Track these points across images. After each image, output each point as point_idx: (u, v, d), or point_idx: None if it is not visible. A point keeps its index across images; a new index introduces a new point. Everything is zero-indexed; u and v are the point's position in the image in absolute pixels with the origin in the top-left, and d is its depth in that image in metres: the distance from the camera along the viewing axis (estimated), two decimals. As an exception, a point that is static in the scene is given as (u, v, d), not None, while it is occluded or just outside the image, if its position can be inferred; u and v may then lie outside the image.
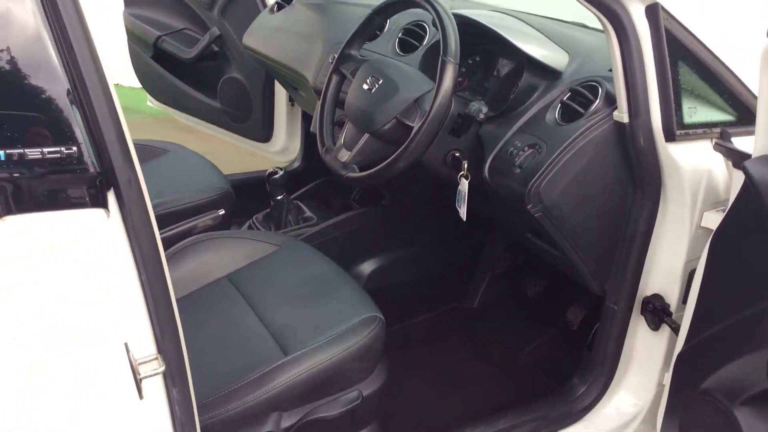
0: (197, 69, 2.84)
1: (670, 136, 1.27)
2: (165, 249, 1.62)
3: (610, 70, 1.40)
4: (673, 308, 1.44)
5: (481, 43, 1.60)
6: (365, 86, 1.44)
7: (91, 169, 0.77)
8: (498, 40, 1.51)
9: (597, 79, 1.36)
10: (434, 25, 1.59)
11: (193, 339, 1.38)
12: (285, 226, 1.91)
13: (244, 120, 2.84)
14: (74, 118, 0.76)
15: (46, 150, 0.73)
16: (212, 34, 2.69)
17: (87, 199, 0.78)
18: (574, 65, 1.45)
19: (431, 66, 1.65)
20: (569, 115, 1.36)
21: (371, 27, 1.55)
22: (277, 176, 1.82)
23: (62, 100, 0.75)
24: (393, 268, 1.99)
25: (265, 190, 2.60)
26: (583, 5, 1.24)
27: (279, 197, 1.86)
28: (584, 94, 1.34)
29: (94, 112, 0.76)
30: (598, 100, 1.31)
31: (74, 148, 0.75)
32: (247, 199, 2.46)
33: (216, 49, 2.75)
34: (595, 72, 1.41)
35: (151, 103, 3.21)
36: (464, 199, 1.44)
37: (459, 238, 2.04)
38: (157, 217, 1.77)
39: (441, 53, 1.31)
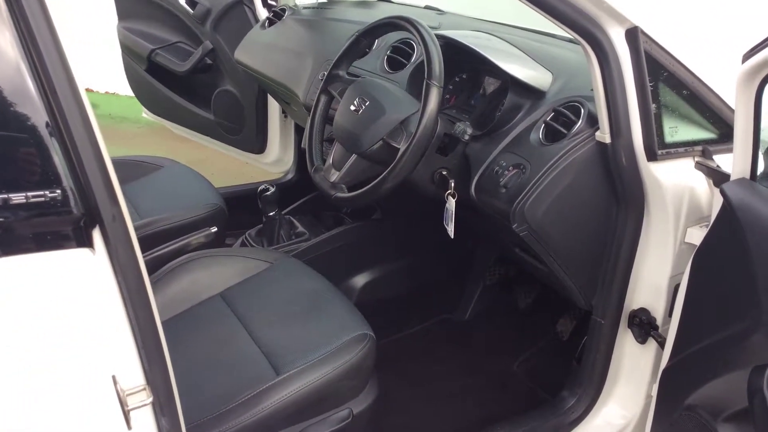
0: (191, 81, 2.87)
1: (651, 156, 1.29)
2: (158, 267, 1.68)
3: (593, 90, 1.43)
4: (659, 322, 1.46)
5: (468, 61, 1.62)
6: (352, 107, 1.46)
7: (75, 211, 0.79)
8: (482, 60, 1.53)
9: (579, 100, 1.38)
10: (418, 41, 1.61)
11: (186, 359, 1.41)
12: (278, 242, 1.93)
13: (237, 132, 2.86)
14: (57, 160, 0.77)
15: (30, 194, 0.75)
16: (205, 48, 2.72)
17: (72, 239, 0.79)
18: (557, 85, 1.47)
19: (418, 85, 1.67)
20: (553, 135, 1.38)
21: (358, 48, 1.57)
22: (268, 193, 1.84)
23: (44, 140, 0.76)
24: (385, 281, 2.01)
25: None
26: (563, 30, 1.25)
27: (271, 213, 1.88)
28: (567, 115, 1.36)
29: (78, 153, 0.78)
30: (580, 121, 1.33)
31: (58, 191, 0.77)
32: (241, 212, 2.48)
33: (209, 62, 2.78)
34: (578, 91, 1.43)
35: (146, 114, 3.23)
36: (452, 218, 1.46)
37: (450, 249, 2.06)
38: (151, 235, 1.84)
39: (425, 76, 1.33)
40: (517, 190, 1.32)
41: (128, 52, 3.01)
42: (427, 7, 2.39)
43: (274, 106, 2.74)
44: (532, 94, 1.47)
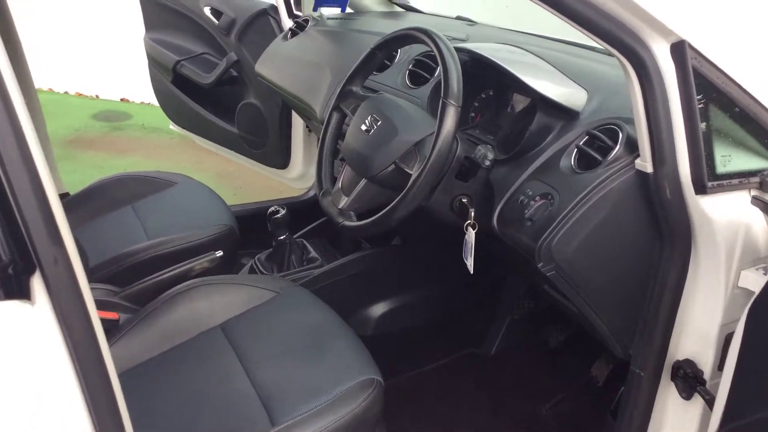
0: (216, 94, 2.82)
1: (700, 189, 1.12)
2: (159, 293, 1.57)
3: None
4: (707, 375, 1.28)
5: (494, 76, 1.47)
6: (363, 127, 1.33)
7: (2, 257, 0.67)
8: (506, 74, 1.38)
9: (616, 122, 1.22)
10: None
11: (175, 398, 1.30)
12: (288, 268, 1.80)
13: (261, 146, 2.78)
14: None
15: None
16: (230, 59, 2.65)
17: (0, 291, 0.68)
18: (593, 104, 1.31)
19: (438, 102, 1.53)
20: (586, 161, 1.22)
21: (373, 63, 1.44)
22: (278, 215, 1.72)
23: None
24: (404, 311, 1.87)
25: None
26: (600, 45, 1.10)
27: (281, 237, 1.76)
28: (602, 139, 1.20)
29: (7, 180, 0.66)
30: (617, 147, 1.17)
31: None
32: (257, 231, 2.38)
33: (234, 74, 2.71)
34: (616, 112, 1.27)
35: (173, 126, 3.18)
36: (471, 251, 1.31)
37: (475, 279, 1.90)
38: (155, 258, 1.74)
39: (442, 94, 1.19)
40: (544, 224, 1.16)
41: (154, 64, 2.96)
42: (458, 18, 2.25)
43: (298, 121, 2.64)
44: (564, 114, 1.31)
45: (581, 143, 1.24)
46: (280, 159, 2.77)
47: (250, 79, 2.62)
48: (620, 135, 1.18)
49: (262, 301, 1.54)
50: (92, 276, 1.62)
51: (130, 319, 1.49)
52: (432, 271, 1.91)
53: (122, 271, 1.66)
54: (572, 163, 1.23)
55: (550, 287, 1.41)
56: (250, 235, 2.34)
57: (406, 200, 1.20)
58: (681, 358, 1.30)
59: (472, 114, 1.58)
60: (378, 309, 1.83)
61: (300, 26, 2.23)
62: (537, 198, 1.22)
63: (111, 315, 1.50)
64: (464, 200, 1.33)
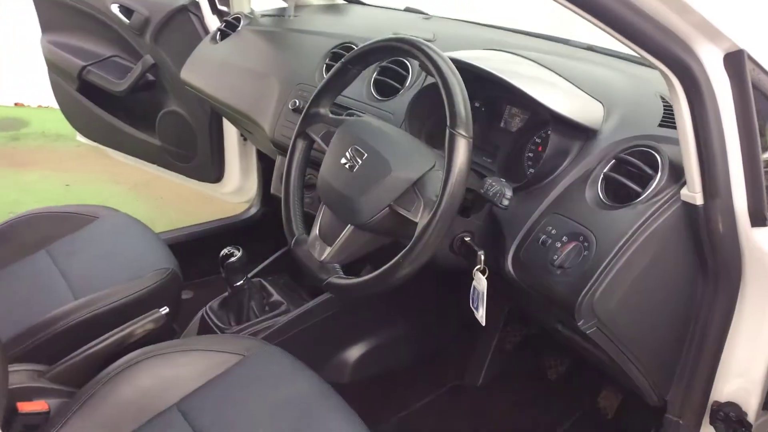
0: (131, 101, 2.49)
1: (759, 221, 0.96)
2: (96, 368, 1.28)
3: (662, 125, 1.09)
4: (751, 417, 1.14)
5: (482, 86, 1.26)
6: (344, 161, 1.09)
7: None
8: (500, 85, 1.17)
9: (650, 144, 1.03)
10: (424, 69, 1.25)
11: None
12: (248, 318, 1.54)
13: (189, 159, 2.47)
14: None
15: None
16: (145, 63, 2.32)
17: None
18: (613, 120, 1.12)
19: (418, 120, 1.31)
20: (614, 190, 1.04)
21: (344, 79, 1.20)
22: (234, 259, 1.45)
23: None
24: (383, 351, 1.65)
25: (223, 242, 2.24)
26: (640, 55, 0.91)
27: (238, 284, 1.49)
28: (636, 165, 1.02)
29: None
30: (659, 175, 0.99)
31: None
32: (199, 259, 2.10)
33: (151, 78, 2.38)
34: (642, 128, 1.09)
35: (81, 138, 2.81)
36: (483, 300, 1.10)
37: (455, 307, 1.71)
38: (85, 323, 1.44)
39: (448, 124, 0.97)
40: (582, 276, 0.97)
41: (55, 70, 2.58)
42: (407, 9, 2.02)
43: (230, 129, 2.35)
44: (581, 133, 1.12)
45: (609, 170, 1.05)
46: (213, 172, 2.47)
47: (171, 84, 2.31)
48: (659, 160, 1.00)
49: (225, 367, 1.28)
50: (8, 354, 1.31)
51: (63, 408, 1.20)
52: (409, 305, 1.70)
53: (45, 344, 1.35)
54: (600, 194, 1.04)
55: (567, 327, 1.23)
56: (192, 265, 2.06)
57: (413, 254, 0.98)
58: (722, 399, 1.15)
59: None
60: (354, 353, 1.61)
61: (230, 26, 1.94)
62: (564, 239, 1.02)
63: (39, 406, 1.21)
64: (467, 239, 1.12)
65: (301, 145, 1.24)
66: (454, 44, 1.46)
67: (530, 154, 1.25)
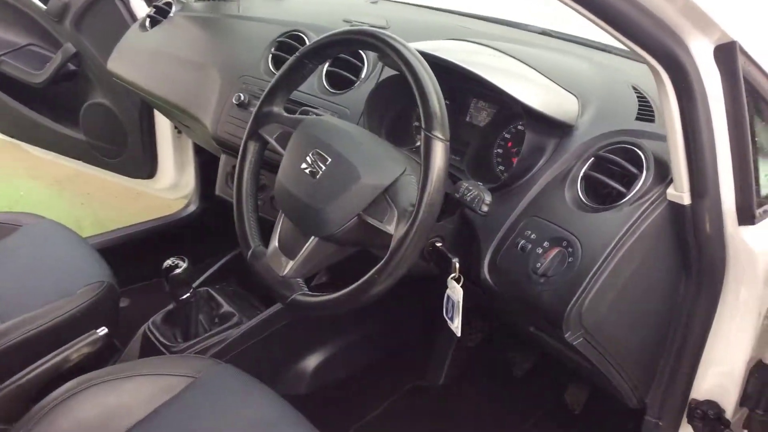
0: (51, 93, 2.30)
1: (747, 218, 0.92)
2: (28, 402, 1.15)
3: (639, 118, 1.04)
4: (729, 414, 1.11)
5: (446, 78, 1.17)
6: (305, 167, 0.99)
7: None
8: (466, 77, 1.09)
9: (632, 141, 0.98)
10: (389, 64, 1.16)
11: None
12: (197, 333, 1.41)
13: (117, 154, 2.30)
14: None
15: None
16: (66, 52, 2.14)
17: None
18: (588, 115, 1.06)
19: (377, 116, 1.22)
20: (594, 190, 0.98)
21: (299, 75, 1.09)
22: (179, 271, 1.32)
23: None
24: (340, 357, 1.56)
25: (160, 244, 2.09)
26: (626, 45, 0.84)
27: (184, 297, 1.36)
28: (618, 163, 0.96)
29: None
30: (644, 174, 0.93)
31: None
32: (138, 261, 1.95)
33: (73, 68, 2.19)
34: (618, 122, 1.03)
35: (-4, 135, 2.58)
36: (458, 310, 1.03)
37: (413, 305, 1.63)
38: (12, 350, 1.29)
39: (423, 126, 0.89)
40: (569, 285, 0.91)
41: (-39, 61, 2.34)
42: (349, -10, 1.91)
43: (163, 121, 2.20)
44: (556, 129, 1.05)
45: (588, 169, 0.99)
46: (145, 167, 2.31)
47: (96, 75, 2.13)
48: (643, 158, 0.95)
49: (175, 392, 1.16)
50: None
51: (-7, 451, 1.07)
52: (367, 308, 1.61)
53: (-33, 376, 1.20)
54: (580, 194, 0.98)
55: (539, 330, 1.18)
56: (126, 273, 1.91)
57: (388, 269, 0.89)
58: (700, 398, 1.13)
59: (416, 124, 1.28)
60: (311, 361, 1.52)
61: (161, 12, 1.78)
62: (546, 244, 0.95)
63: (-37, 451, 1.07)
64: (438, 244, 1.05)
65: (253, 147, 1.13)
66: (408, 32, 1.37)
67: (499, 150, 1.18)
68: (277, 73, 1.10)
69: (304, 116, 1.10)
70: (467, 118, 1.23)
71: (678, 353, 1.07)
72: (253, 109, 1.37)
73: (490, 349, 1.66)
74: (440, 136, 0.87)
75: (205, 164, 2.16)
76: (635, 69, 1.25)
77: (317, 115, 1.15)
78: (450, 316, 1.05)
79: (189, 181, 2.33)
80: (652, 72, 0.86)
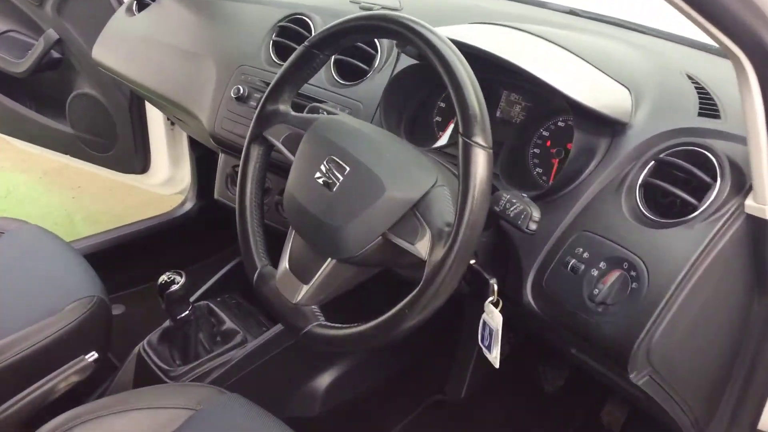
0: (34, 83, 2.16)
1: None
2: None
3: (702, 114, 0.90)
4: (797, 445, 0.99)
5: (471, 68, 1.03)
6: (319, 177, 0.85)
7: None
8: (498, 66, 0.94)
9: (700, 142, 0.84)
10: (416, 55, 1.02)
11: None
12: (196, 354, 1.27)
13: (107, 148, 2.16)
14: None
15: None
16: (49, 38, 1.99)
17: None
18: (644, 110, 0.92)
19: (397, 109, 1.08)
20: (654, 200, 0.84)
21: (310, 68, 0.94)
22: (177, 287, 1.17)
23: None
24: (353, 374, 1.43)
25: (155, 244, 1.95)
26: (703, 28, 0.70)
27: (182, 315, 1.22)
28: (686, 169, 0.82)
29: None
30: (720, 183, 0.80)
31: None
32: (134, 262, 1.82)
33: (57, 56, 2.04)
34: (678, 119, 0.89)
35: (-25, 128, 2.43)
36: (497, 339, 0.90)
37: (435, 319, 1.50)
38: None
39: (461, 131, 0.74)
40: (634, 316, 0.77)
41: (-65, 50, 2.18)
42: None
43: (155, 113, 2.05)
44: (607, 128, 0.91)
45: (648, 175, 0.85)
46: (137, 162, 2.17)
47: (82, 63, 1.98)
48: (716, 163, 0.81)
49: (174, 426, 1.04)
50: None
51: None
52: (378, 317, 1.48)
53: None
54: (640, 206, 0.84)
55: (582, 352, 1.04)
56: (119, 278, 1.78)
57: (422, 301, 0.76)
58: (765, 429, 1.00)
59: (438, 119, 1.14)
60: (322, 380, 1.39)
61: (149, -5, 1.63)
62: (602, 265, 0.82)
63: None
64: (471, 262, 0.91)
65: (257, 152, 0.98)
66: (422, 13, 1.22)
67: (536, 151, 1.04)
68: (283, 66, 0.95)
69: (315, 115, 0.95)
70: (498, 113, 1.08)
71: (746, 381, 0.94)
72: (255, 104, 1.25)
73: (517, 361, 1.53)
74: (482, 143, 0.73)
75: (202, 159, 2.01)
76: (684, 55, 1.11)
77: (329, 112, 1.00)
78: (487, 344, 0.92)
79: (185, 176, 2.19)
80: (733, 62, 0.72)
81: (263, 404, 1.05)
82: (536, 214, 0.79)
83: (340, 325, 0.83)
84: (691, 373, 0.86)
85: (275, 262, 0.95)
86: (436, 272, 0.74)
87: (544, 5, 1.39)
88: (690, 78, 0.98)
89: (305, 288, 0.87)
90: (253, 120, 0.98)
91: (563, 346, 1.03)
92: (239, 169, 0.99)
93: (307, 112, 1.05)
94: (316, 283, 0.87)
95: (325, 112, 1.03)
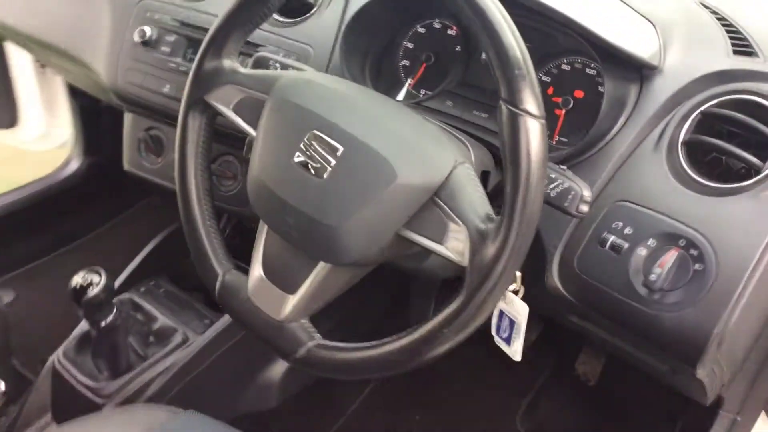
0: None
1: None
2: None
3: (738, 52, 0.77)
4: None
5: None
6: (301, 160, 0.65)
7: None
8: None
9: (753, 88, 0.71)
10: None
11: None
12: (128, 365, 1.01)
13: (-41, 100, 1.79)
14: None
15: None
16: None
17: None
18: (674, 50, 0.77)
19: (360, 53, 0.89)
20: (695, 160, 0.72)
21: (265, 7, 0.71)
22: (97, 290, 0.91)
23: None
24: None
25: (42, 213, 1.64)
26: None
27: (107, 321, 0.97)
28: (745, 124, 0.69)
29: None
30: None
31: None
32: (21, 236, 1.53)
33: None
34: (713, 60, 0.76)
35: None
36: (520, 333, 0.76)
37: (380, 286, 1.34)
38: None
39: (504, 96, 0.56)
40: (707, 307, 0.65)
41: None
42: None
43: (18, 52, 1.70)
44: (634, 72, 0.76)
45: (691, 130, 0.72)
46: (2, 114, 1.82)
47: None
48: (775, 114, 0.68)
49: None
50: None
51: None
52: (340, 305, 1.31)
53: None
54: (686, 168, 0.71)
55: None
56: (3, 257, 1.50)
57: (464, 316, 0.59)
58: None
59: (405, 63, 0.95)
60: (278, 369, 1.19)
61: None
62: (651, 243, 0.69)
63: None
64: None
65: (198, 122, 0.75)
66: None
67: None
68: (228, 7, 0.71)
69: (275, 72, 0.73)
70: (484, 55, 0.90)
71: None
72: (167, 49, 1.00)
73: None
74: (534, 111, 0.56)
75: (86, 109, 1.69)
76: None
77: (292, 67, 0.78)
78: (506, 337, 0.78)
79: (65, 128, 1.86)
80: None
81: (215, 407, 0.89)
82: (587, 194, 0.64)
83: (347, 345, 0.66)
84: (743, 353, 0.77)
85: (238, 263, 0.75)
86: (484, 280, 0.58)
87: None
88: (707, 8, 0.84)
89: (291, 299, 0.68)
90: (189, 80, 0.75)
91: (598, 336, 0.91)
92: (176, 147, 0.76)
93: (253, 66, 0.83)
94: (307, 293, 0.68)
95: (278, 65, 0.81)
